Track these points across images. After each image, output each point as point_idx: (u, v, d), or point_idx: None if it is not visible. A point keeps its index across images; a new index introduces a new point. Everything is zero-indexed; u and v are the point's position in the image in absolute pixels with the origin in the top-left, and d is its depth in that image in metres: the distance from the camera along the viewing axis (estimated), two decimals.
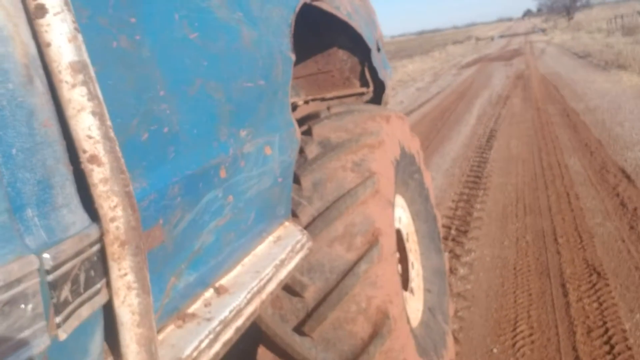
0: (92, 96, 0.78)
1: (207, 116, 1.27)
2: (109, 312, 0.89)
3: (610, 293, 3.24)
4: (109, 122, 0.81)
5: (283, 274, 1.41)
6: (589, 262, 3.63)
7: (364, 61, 2.86)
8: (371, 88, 2.95)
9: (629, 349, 2.69)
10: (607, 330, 2.89)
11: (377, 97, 2.99)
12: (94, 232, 0.83)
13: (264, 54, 1.53)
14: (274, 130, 1.57)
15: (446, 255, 2.82)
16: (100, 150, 0.79)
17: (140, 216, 0.85)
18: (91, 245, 0.83)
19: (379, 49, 2.93)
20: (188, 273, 1.16)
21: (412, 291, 2.38)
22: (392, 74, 3.27)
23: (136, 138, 1.01)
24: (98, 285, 0.86)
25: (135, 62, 1.03)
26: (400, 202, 2.39)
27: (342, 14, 2.33)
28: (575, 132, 7.29)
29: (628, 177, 4.86)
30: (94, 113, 0.78)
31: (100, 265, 0.85)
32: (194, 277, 1.18)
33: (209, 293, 1.25)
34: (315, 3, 2.04)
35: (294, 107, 3.05)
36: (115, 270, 0.83)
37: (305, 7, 1.95)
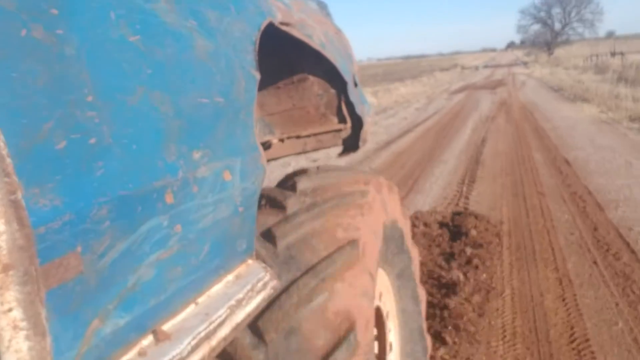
0: None
1: (150, 131, 1.09)
2: None
3: (544, 195, 6.86)
4: None
5: (240, 316, 1.21)
6: (538, 188, 7.28)
7: (341, 96, 2.73)
8: (349, 124, 2.80)
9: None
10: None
11: (355, 134, 2.84)
12: None
13: (223, 69, 1.37)
14: (235, 154, 1.40)
15: (429, 341, 2.57)
16: None
17: (34, 236, 0.66)
18: None
19: (355, 84, 2.81)
20: (118, 315, 0.95)
21: None
22: (371, 108, 3.14)
23: (48, 145, 0.82)
24: None
25: (52, 58, 0.86)
26: (382, 278, 2.16)
27: (314, 43, 2.20)
28: (541, 140, 11.13)
29: (567, 162, 8.71)
30: None
31: None
32: (126, 320, 0.97)
33: (147, 340, 1.04)
34: (283, 27, 1.90)
35: (269, 146, 2.89)
36: None
37: (273, 31, 1.81)
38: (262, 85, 1.65)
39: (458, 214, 5.85)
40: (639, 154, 8.87)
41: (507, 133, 12.35)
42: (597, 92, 17.69)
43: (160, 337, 1.03)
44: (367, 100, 3.01)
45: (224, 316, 1.16)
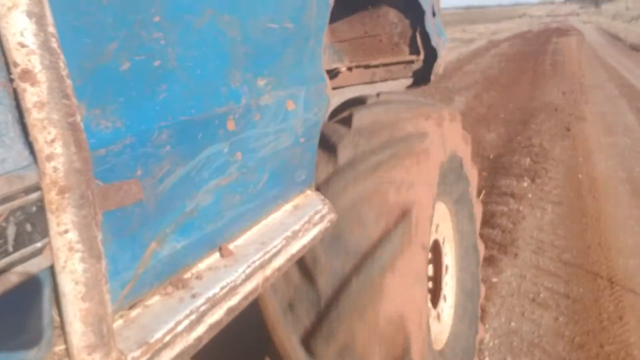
0: None
1: (216, 55, 1.06)
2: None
3: (545, 72, 12.98)
4: (51, 29, 0.60)
5: (295, 247, 1.20)
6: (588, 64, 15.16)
7: (416, 26, 2.59)
8: (422, 56, 2.67)
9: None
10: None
11: (427, 67, 2.71)
12: (32, 175, 0.64)
13: None
14: (300, 83, 1.35)
15: (482, 250, 2.54)
16: (35, 64, 0.59)
17: (90, 157, 0.65)
18: (27, 191, 0.64)
19: (434, 14, 2.65)
20: (175, 239, 0.96)
21: (442, 310, 2.12)
22: (448, 42, 2.98)
23: (112, 66, 0.81)
24: (38, 245, 0.68)
25: None
26: (441, 209, 2.09)
27: None
28: (583, 48, 18.77)
29: (604, 63, 14.42)
30: (29, 13, 0.58)
31: (42, 219, 0.66)
32: (182, 245, 0.98)
33: (203, 264, 1.05)
34: None
35: (336, 74, 2.81)
36: (54, 226, 0.64)
37: None
38: (335, 12, 1.56)
39: None
40: None
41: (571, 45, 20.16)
42: (626, 34, 22.77)
43: (224, 254, 1.05)
44: (444, 32, 2.85)
45: (279, 246, 1.16)
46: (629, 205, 4.42)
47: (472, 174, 2.41)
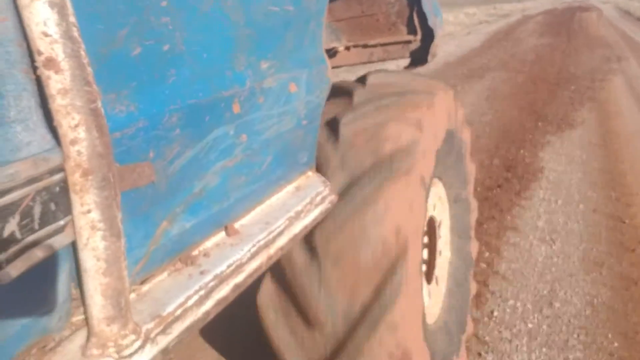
0: None
1: (220, 39, 1.09)
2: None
3: (576, 32, 18.49)
4: (72, 18, 0.63)
5: (297, 227, 1.25)
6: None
7: (413, 5, 2.61)
8: (419, 36, 2.69)
9: None
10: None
11: (425, 47, 2.73)
12: (56, 157, 0.68)
13: None
14: (302, 66, 1.38)
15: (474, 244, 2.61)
16: (59, 52, 0.62)
17: (111, 141, 0.69)
18: (51, 172, 0.68)
19: None
20: (184, 218, 1.00)
21: (436, 281, 2.17)
22: (443, 23, 3.00)
23: (124, 52, 0.84)
24: (61, 222, 0.71)
25: None
26: (439, 188, 2.15)
27: None
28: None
29: (616, 27, 21.12)
30: (51, 3, 0.61)
31: (65, 198, 0.70)
32: (192, 224, 1.02)
33: (210, 242, 1.09)
34: None
35: (334, 53, 2.83)
36: (77, 206, 0.68)
37: None
38: None
39: None
40: None
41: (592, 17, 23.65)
42: None
43: (230, 233, 1.09)
44: (441, 12, 2.87)
45: (282, 227, 1.21)
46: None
47: (471, 168, 2.47)
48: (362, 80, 2.02)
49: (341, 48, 2.83)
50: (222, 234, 1.12)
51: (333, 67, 1.93)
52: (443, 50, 11.54)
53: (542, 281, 3.07)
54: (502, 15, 27.98)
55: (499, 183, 4.47)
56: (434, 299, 2.11)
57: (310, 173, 1.49)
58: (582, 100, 7.72)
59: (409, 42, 2.73)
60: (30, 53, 0.65)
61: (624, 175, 4.73)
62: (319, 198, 1.36)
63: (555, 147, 5.54)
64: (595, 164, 5.02)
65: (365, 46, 2.83)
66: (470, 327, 2.37)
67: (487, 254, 3.33)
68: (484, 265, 3.19)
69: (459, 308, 2.28)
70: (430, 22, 2.60)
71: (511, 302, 2.89)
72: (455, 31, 17.81)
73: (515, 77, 9.31)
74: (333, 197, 1.42)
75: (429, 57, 2.77)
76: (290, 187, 1.38)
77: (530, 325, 2.70)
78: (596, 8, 32.62)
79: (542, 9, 34.73)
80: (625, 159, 5.16)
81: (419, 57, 2.80)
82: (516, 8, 34.80)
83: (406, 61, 2.89)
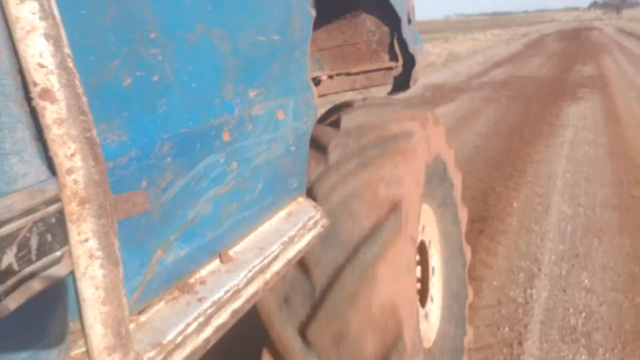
0: (45, 14, 0.62)
1: (209, 69, 1.11)
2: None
3: (584, 41, 29.09)
4: (67, 50, 0.65)
5: (291, 252, 1.25)
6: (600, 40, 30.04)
7: (393, 33, 2.66)
8: (400, 62, 2.74)
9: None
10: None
11: (406, 73, 2.78)
12: (51, 188, 0.68)
13: (280, 6, 1.36)
14: (289, 93, 1.40)
15: (468, 253, 2.63)
16: (54, 83, 0.63)
17: (106, 170, 0.69)
18: (47, 203, 0.68)
19: (410, 21, 2.73)
20: (179, 246, 1.00)
21: (428, 312, 2.17)
22: (424, 49, 3.06)
23: (115, 82, 0.85)
24: (57, 253, 0.71)
25: None
26: (426, 211, 2.15)
27: None
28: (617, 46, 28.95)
29: (613, 39, 30.05)
30: (47, 36, 0.63)
31: (61, 229, 0.70)
32: (186, 252, 1.02)
33: (205, 270, 1.09)
34: None
35: (317, 82, 2.86)
36: (74, 235, 0.68)
37: None
38: (315, 21, 1.61)
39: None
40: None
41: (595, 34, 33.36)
42: None
43: (224, 260, 1.09)
44: (421, 39, 2.93)
45: (277, 251, 1.21)
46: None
47: (456, 177, 2.47)
48: (335, 124, 1.88)
49: (324, 77, 2.86)
50: (217, 261, 1.12)
51: (318, 97, 1.96)
52: (503, 52, 22.37)
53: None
54: (522, 34, 37.73)
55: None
56: (431, 321, 2.11)
57: (300, 199, 1.49)
58: (589, 62, 16.80)
59: (390, 68, 2.78)
60: (25, 85, 0.66)
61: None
62: (311, 222, 1.37)
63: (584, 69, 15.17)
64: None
65: (348, 74, 2.87)
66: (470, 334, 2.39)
67: None
68: None
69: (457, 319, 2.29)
70: (411, 49, 2.65)
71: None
72: (495, 44, 27.58)
73: (552, 57, 19.04)
74: (325, 222, 1.43)
75: (411, 83, 2.82)
76: (282, 213, 1.39)
77: None
78: (598, 28, 42.77)
79: (553, 30, 45.94)
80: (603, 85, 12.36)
81: (401, 83, 2.85)
82: (531, 30, 46.26)
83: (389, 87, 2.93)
